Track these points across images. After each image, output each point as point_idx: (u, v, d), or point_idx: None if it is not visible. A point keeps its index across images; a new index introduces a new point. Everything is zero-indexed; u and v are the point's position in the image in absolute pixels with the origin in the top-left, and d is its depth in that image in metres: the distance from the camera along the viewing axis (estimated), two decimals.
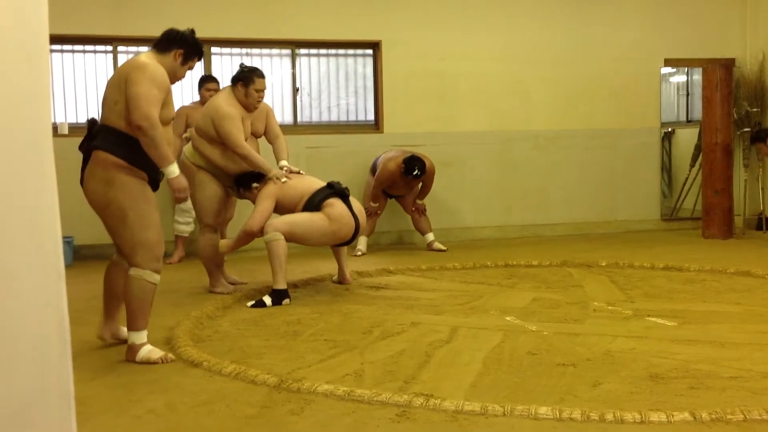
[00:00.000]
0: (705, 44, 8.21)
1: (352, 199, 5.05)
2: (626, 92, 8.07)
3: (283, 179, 5.00)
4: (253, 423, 2.73)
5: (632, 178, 8.16)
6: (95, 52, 7.03)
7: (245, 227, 4.89)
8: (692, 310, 4.45)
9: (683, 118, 9.81)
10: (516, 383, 3.12)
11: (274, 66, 7.42)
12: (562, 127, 7.97)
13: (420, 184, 6.87)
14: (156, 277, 3.51)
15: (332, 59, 7.64)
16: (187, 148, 5.26)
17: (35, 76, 1.38)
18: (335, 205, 4.88)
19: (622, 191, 8.16)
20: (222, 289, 5.11)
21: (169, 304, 4.67)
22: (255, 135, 5.24)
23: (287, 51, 7.43)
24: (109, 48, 6.98)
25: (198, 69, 6.81)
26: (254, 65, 5.24)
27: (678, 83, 9.94)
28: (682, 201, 8.68)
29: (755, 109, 8.01)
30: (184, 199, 3.70)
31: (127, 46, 6.97)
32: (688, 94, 9.77)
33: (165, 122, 3.53)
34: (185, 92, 7.09)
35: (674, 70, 9.54)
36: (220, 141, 5.01)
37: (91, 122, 3.57)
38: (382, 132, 7.52)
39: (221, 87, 6.16)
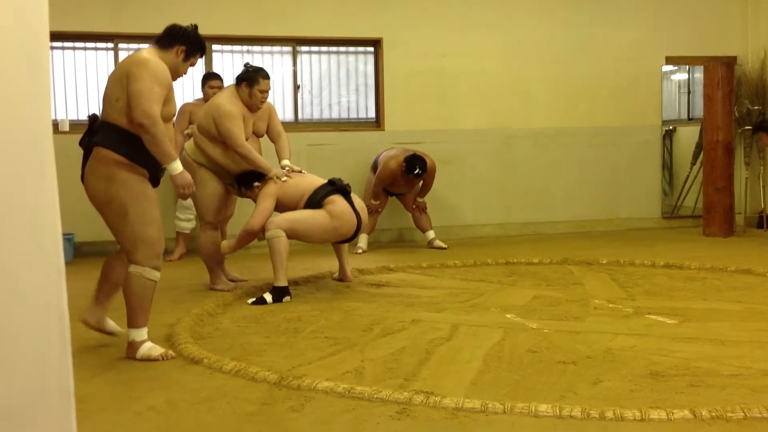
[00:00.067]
0: (706, 42, 8.20)
1: (354, 196, 5.04)
2: (627, 90, 8.06)
3: (284, 178, 5.00)
4: (253, 420, 2.73)
5: (633, 176, 8.16)
6: (96, 49, 7.02)
7: (246, 226, 4.89)
8: (693, 308, 4.45)
9: (684, 116, 9.79)
10: (516, 381, 3.12)
11: (275, 63, 7.41)
12: (562, 125, 7.96)
13: (421, 183, 6.87)
14: (156, 275, 3.51)
15: (333, 57, 7.64)
16: (189, 144, 5.26)
17: (35, 74, 1.38)
18: (337, 201, 4.88)
19: (623, 189, 8.15)
20: (222, 286, 5.11)
21: (169, 301, 4.67)
22: (257, 134, 5.24)
23: (288, 48, 7.43)
24: (110, 45, 6.98)
25: (199, 66, 6.81)
26: (257, 64, 5.24)
27: (679, 81, 9.92)
28: (683, 199, 8.67)
29: (756, 107, 8.00)
30: (189, 196, 3.69)
31: (128, 43, 6.97)
32: (689, 92, 9.76)
33: (166, 119, 3.52)
34: (188, 89, 7.09)
35: (675, 67, 9.52)
36: (221, 139, 5.01)
37: (92, 118, 3.56)
38: (383, 129, 7.52)
39: (224, 84, 6.16)
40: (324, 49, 7.58)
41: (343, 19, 7.38)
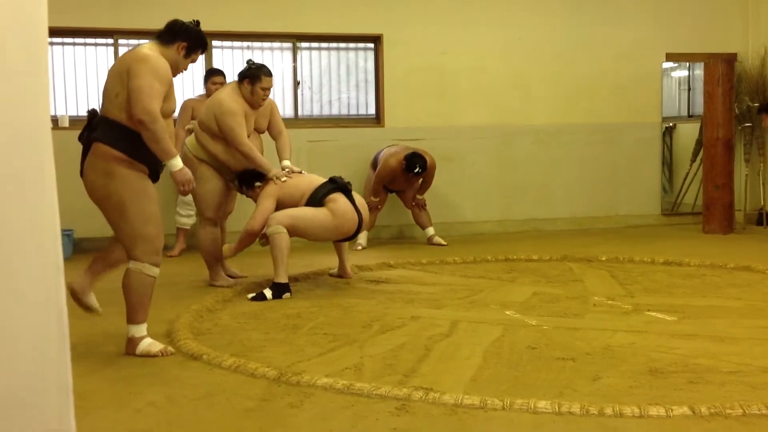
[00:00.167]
0: (707, 39, 8.19)
1: (355, 194, 5.04)
2: (627, 87, 8.06)
3: (284, 179, 5.00)
4: (252, 416, 2.73)
5: (633, 173, 8.15)
6: (96, 44, 7.02)
7: (247, 227, 4.89)
8: (692, 304, 4.46)
9: (684, 113, 9.79)
10: (515, 377, 3.13)
11: (275, 59, 7.40)
12: (563, 121, 7.96)
13: (420, 180, 6.87)
14: (155, 271, 3.51)
15: (333, 53, 7.63)
16: (189, 140, 5.24)
17: (34, 70, 1.38)
18: (338, 200, 4.88)
19: (623, 186, 8.15)
20: (222, 282, 5.11)
21: (169, 297, 4.67)
22: (258, 130, 5.23)
23: (288, 44, 7.43)
24: (110, 41, 6.97)
25: (199, 62, 6.81)
26: (258, 61, 5.23)
27: (679, 78, 9.92)
28: (683, 196, 8.67)
29: (756, 104, 8.00)
30: (189, 192, 3.69)
31: (128, 38, 6.96)
32: (689, 89, 9.75)
33: (167, 115, 3.51)
34: (191, 85, 7.09)
35: (676, 64, 9.52)
36: (223, 136, 5.00)
37: (92, 113, 3.55)
38: (383, 126, 7.51)
39: (227, 81, 6.16)
40: (324, 45, 7.57)
41: (343, 16, 7.37)
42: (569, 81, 7.92)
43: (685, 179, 8.68)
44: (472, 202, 7.77)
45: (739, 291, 4.83)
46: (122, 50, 6.88)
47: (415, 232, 7.36)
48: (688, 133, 9.07)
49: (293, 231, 4.78)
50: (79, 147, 3.56)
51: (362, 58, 7.68)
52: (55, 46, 6.92)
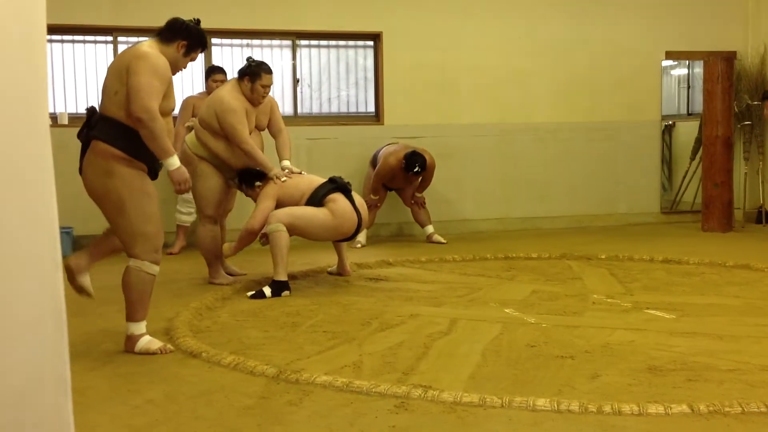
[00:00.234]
0: (706, 37, 8.19)
1: (354, 194, 5.04)
2: (627, 85, 8.06)
3: (284, 179, 5.00)
4: (251, 413, 2.73)
5: (632, 171, 8.16)
6: (95, 42, 7.01)
7: (247, 226, 4.89)
8: (691, 303, 4.46)
9: (684, 111, 9.78)
10: (514, 375, 3.13)
11: (274, 57, 7.39)
12: (562, 119, 7.96)
13: (420, 178, 6.86)
14: (155, 269, 3.51)
15: (333, 51, 7.63)
16: (189, 137, 5.24)
17: (33, 67, 1.38)
18: (338, 200, 4.88)
19: (623, 184, 8.15)
20: (221, 280, 5.11)
21: (168, 295, 4.67)
22: (259, 128, 5.23)
23: (288, 42, 7.42)
24: (110, 38, 6.96)
25: (198, 60, 6.80)
26: (258, 58, 5.23)
27: (679, 76, 9.91)
28: (682, 194, 8.67)
29: (756, 102, 8.00)
30: (185, 191, 3.69)
31: (127, 36, 6.95)
32: (689, 87, 9.74)
33: (166, 113, 3.51)
34: (192, 82, 7.09)
35: (675, 62, 9.51)
36: (223, 134, 5.00)
37: (91, 110, 3.55)
38: (383, 124, 7.51)
39: (228, 78, 6.15)
40: (323, 42, 7.57)
41: (342, 13, 7.36)
42: (569, 79, 7.92)
43: (684, 177, 8.68)
44: (472, 200, 7.76)
45: (738, 289, 4.84)
46: (122, 48, 6.87)
47: (414, 230, 7.36)
48: (687, 131, 9.07)
49: (293, 230, 4.78)
50: (79, 144, 3.56)
51: (362, 56, 7.68)
52: (54, 44, 6.91)
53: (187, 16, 3.74)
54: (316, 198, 4.87)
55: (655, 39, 8.08)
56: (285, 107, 7.34)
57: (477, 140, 7.73)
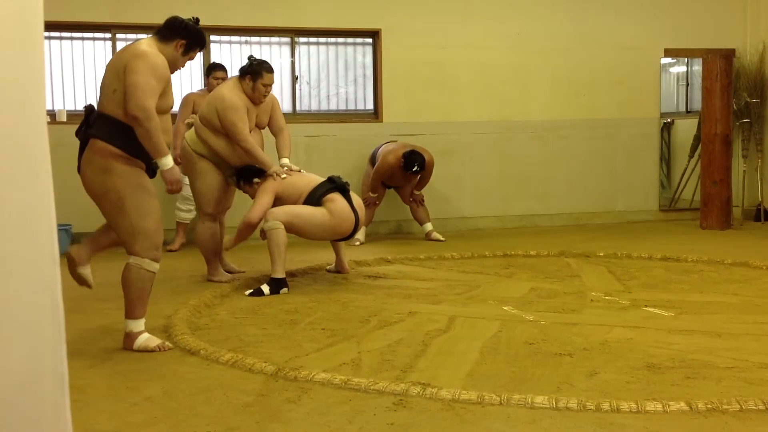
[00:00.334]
0: (705, 34, 8.19)
1: (352, 194, 5.04)
2: (626, 82, 8.06)
3: (283, 176, 5.00)
4: (249, 411, 2.73)
5: (631, 169, 8.16)
6: (94, 39, 7.01)
7: (245, 219, 4.88)
8: (689, 300, 4.46)
9: (683, 108, 9.79)
10: (513, 372, 3.13)
11: (273, 54, 7.39)
12: (561, 117, 7.96)
13: (418, 176, 6.86)
14: (155, 266, 3.51)
15: (332, 48, 7.62)
16: (189, 134, 5.23)
17: (30, 63, 1.38)
18: (336, 200, 4.87)
19: (621, 182, 8.16)
20: (220, 277, 5.11)
21: (167, 292, 4.67)
22: (259, 126, 5.22)
23: (286, 39, 7.42)
24: (108, 35, 6.96)
25: (197, 58, 6.81)
26: (256, 56, 5.22)
27: (678, 73, 9.92)
28: (681, 192, 8.68)
29: (755, 100, 8.00)
30: (177, 191, 3.67)
31: (126, 33, 6.95)
32: (687, 85, 9.76)
33: (164, 111, 3.51)
34: (192, 80, 7.09)
35: (674, 60, 9.52)
36: (224, 132, 5.00)
37: (89, 108, 3.55)
38: (382, 121, 7.51)
39: (228, 76, 6.15)
40: (322, 40, 7.56)
41: (341, 10, 7.36)
42: (568, 76, 7.92)
43: (683, 175, 8.68)
44: (470, 197, 7.77)
45: (736, 287, 4.84)
46: (120, 45, 6.87)
47: (413, 228, 7.36)
48: (686, 129, 9.08)
49: (290, 228, 4.78)
50: (77, 141, 3.55)
51: (360, 53, 7.67)
52: (53, 41, 6.91)
53: (185, 13, 3.74)
54: (314, 197, 4.87)
55: (654, 36, 8.08)
56: (284, 104, 7.33)
57: (476, 138, 7.73)
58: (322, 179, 5.00)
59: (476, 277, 5.25)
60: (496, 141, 7.81)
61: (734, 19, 8.28)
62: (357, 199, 5.07)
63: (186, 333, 3.69)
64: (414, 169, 6.51)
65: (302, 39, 7.48)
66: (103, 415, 2.71)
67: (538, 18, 7.83)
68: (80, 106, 6.83)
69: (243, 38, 7.33)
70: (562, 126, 7.96)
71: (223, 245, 5.19)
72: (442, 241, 6.90)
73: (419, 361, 3.29)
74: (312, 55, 7.56)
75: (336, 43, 7.62)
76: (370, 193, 6.74)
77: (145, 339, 3.51)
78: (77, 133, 3.55)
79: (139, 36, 6.69)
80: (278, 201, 4.95)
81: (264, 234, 4.80)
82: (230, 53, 7.26)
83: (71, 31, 6.93)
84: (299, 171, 5.16)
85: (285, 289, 4.74)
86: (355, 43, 7.65)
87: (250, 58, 5.10)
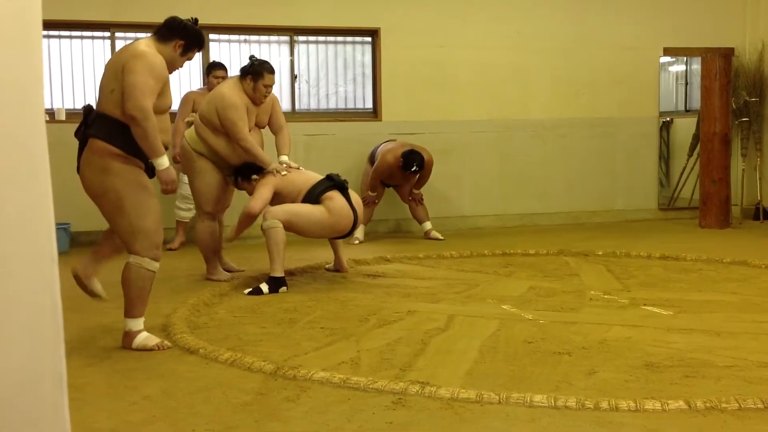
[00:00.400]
0: (704, 33, 8.19)
1: (351, 192, 5.04)
2: (625, 81, 8.06)
3: (283, 173, 4.99)
4: (248, 410, 2.73)
5: (630, 168, 8.16)
6: (93, 38, 7.00)
7: (246, 209, 4.86)
8: (688, 299, 4.46)
9: (682, 107, 9.79)
10: (512, 371, 3.13)
11: (272, 53, 7.39)
12: (560, 116, 7.96)
13: (417, 176, 6.86)
14: (155, 265, 3.51)
15: (331, 47, 7.62)
16: (189, 133, 5.23)
17: (28, 62, 1.37)
18: (335, 198, 4.87)
19: (620, 180, 8.16)
20: (219, 276, 5.11)
21: (166, 291, 4.67)
22: (259, 125, 5.22)
23: (285, 38, 7.41)
24: (107, 34, 6.96)
25: (196, 56, 6.81)
26: (255, 54, 5.22)
27: (677, 72, 9.92)
28: (680, 190, 8.68)
29: (754, 99, 8.00)
30: (172, 192, 3.66)
31: (125, 32, 6.95)
32: (686, 84, 9.76)
33: (162, 111, 3.52)
34: (192, 79, 7.08)
35: (673, 59, 9.52)
36: (224, 130, 4.99)
37: (87, 109, 3.56)
38: (381, 120, 7.50)
39: (229, 74, 6.15)
40: (321, 38, 7.56)
41: (340, 9, 7.36)
42: (567, 75, 7.92)
43: (681, 174, 8.68)
44: (470, 196, 7.77)
45: (735, 286, 4.84)
46: (119, 44, 6.87)
47: (412, 227, 7.36)
48: (685, 128, 9.08)
49: (289, 227, 4.78)
50: (76, 140, 3.56)
51: (359, 52, 7.67)
52: (52, 39, 6.90)
53: (185, 12, 3.74)
54: (313, 195, 4.87)
55: (653, 35, 8.08)
56: (283, 103, 7.30)
57: (475, 136, 7.73)
58: (321, 177, 5.00)
59: (475, 275, 5.25)
60: (495, 140, 7.81)
61: (733, 18, 8.28)
62: (355, 197, 5.07)
63: (185, 332, 3.69)
64: (413, 169, 6.51)
65: (301, 38, 7.47)
66: (102, 414, 2.71)
67: (538, 17, 7.83)
68: (79, 105, 6.82)
69: (242, 37, 7.33)
70: (562, 125, 7.96)
71: (224, 238, 5.19)
72: (441, 239, 6.90)
73: (418, 359, 3.29)
74: (311, 53, 7.56)
75: (335, 42, 7.62)
76: (369, 192, 6.74)
77: (144, 338, 3.51)
78: (76, 134, 3.55)
79: (139, 35, 6.71)
80: (277, 198, 4.95)
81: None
82: (229, 52, 7.26)
83: (70, 30, 6.92)
84: (298, 168, 5.16)
85: (284, 288, 4.74)
86: (354, 42, 7.65)
87: (252, 58, 5.09)
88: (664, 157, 9.19)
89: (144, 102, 3.36)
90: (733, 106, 7.80)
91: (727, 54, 7.80)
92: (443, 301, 4.49)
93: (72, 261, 3.79)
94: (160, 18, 3.68)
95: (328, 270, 5.43)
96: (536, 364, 3.21)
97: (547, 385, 2.93)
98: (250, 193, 5.02)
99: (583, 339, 3.59)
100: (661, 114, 8.48)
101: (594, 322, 3.92)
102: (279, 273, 4.74)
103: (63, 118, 6.75)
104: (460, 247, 6.36)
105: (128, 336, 3.52)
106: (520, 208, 7.90)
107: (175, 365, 3.27)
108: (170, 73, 3.59)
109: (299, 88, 7.49)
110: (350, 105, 7.66)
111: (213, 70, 6.35)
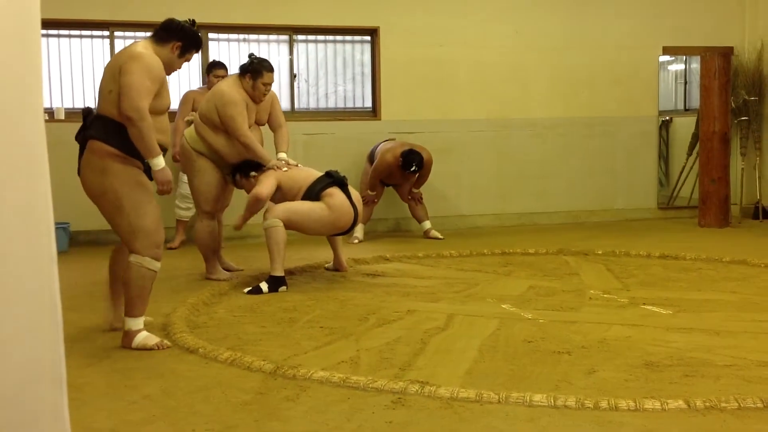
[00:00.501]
0: (703, 32, 8.19)
1: (351, 189, 5.03)
2: (624, 80, 8.06)
3: (284, 169, 4.99)
4: (248, 409, 2.73)
5: (629, 167, 8.16)
6: (92, 37, 7.00)
7: (254, 192, 4.81)
8: (688, 298, 4.46)
9: (681, 106, 9.79)
10: (511, 371, 3.13)
11: (271, 52, 7.38)
12: (560, 115, 7.95)
13: (417, 175, 6.86)
14: (156, 264, 3.51)
15: (330, 45, 7.62)
16: (188, 132, 5.23)
17: (27, 61, 1.37)
18: (335, 195, 4.87)
19: (620, 180, 8.16)
20: (219, 275, 5.11)
21: (165, 291, 4.67)
22: (259, 123, 5.22)
23: (285, 37, 7.41)
24: (106, 33, 6.95)
25: (195, 55, 6.80)
26: (256, 54, 5.22)
27: (676, 71, 9.92)
28: (679, 190, 8.68)
29: (753, 98, 8.00)
30: (167, 192, 3.66)
31: (123, 31, 6.94)
32: (686, 83, 9.75)
33: (160, 112, 3.53)
34: (192, 78, 7.08)
35: (672, 58, 9.52)
36: (224, 128, 4.99)
37: (86, 111, 3.58)
38: (380, 119, 7.50)
39: (229, 74, 6.14)
40: (321, 38, 7.55)
41: (339, 8, 7.35)
42: (567, 74, 7.92)
43: (681, 173, 8.68)
44: (469, 195, 7.76)
45: (734, 285, 4.84)
46: (118, 43, 6.86)
47: (411, 226, 7.36)
48: (684, 127, 9.07)
49: (290, 225, 4.77)
50: (76, 140, 3.57)
51: (359, 51, 7.67)
52: (51, 39, 6.90)
53: (183, 11, 3.75)
54: (313, 192, 4.86)
55: (652, 34, 8.08)
56: (282, 102, 7.29)
57: (474, 136, 7.73)
58: (321, 174, 5.00)
59: (475, 275, 5.25)
60: (494, 139, 7.80)
61: (733, 17, 8.28)
62: (356, 194, 5.06)
63: (184, 331, 3.69)
64: (412, 169, 6.51)
65: (301, 37, 7.47)
66: (102, 414, 2.71)
67: (537, 16, 7.83)
68: (78, 105, 6.82)
69: (241, 36, 7.32)
70: (561, 124, 7.96)
71: (233, 226, 5.17)
72: (440, 239, 6.89)
73: (418, 359, 3.29)
74: (310, 52, 7.55)
75: (334, 41, 7.61)
76: (369, 191, 6.73)
77: (144, 337, 3.51)
78: (77, 137, 3.57)
79: (138, 34, 6.72)
80: (278, 193, 4.94)
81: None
82: (228, 51, 7.25)
83: (69, 29, 6.91)
84: (296, 165, 5.16)
85: (283, 288, 4.74)
86: (353, 41, 7.65)
87: (251, 56, 5.10)
88: (664, 156, 9.19)
89: (140, 102, 3.37)
90: (733, 105, 7.80)
91: (727, 53, 7.80)
92: (443, 300, 4.49)
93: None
94: (159, 17, 3.68)
95: (327, 269, 5.43)
96: (536, 364, 3.21)
97: (546, 385, 2.93)
98: (249, 191, 5.01)
99: (582, 338, 3.59)
100: (661, 113, 8.47)
101: (593, 322, 3.92)
102: (279, 272, 4.74)
103: (62, 117, 6.74)
104: (459, 247, 6.36)
105: (128, 335, 3.52)
106: (519, 207, 7.90)
107: (174, 365, 3.27)
108: (168, 74, 3.60)
109: (298, 87, 7.49)
110: (349, 104, 7.66)
111: (213, 69, 6.35)
